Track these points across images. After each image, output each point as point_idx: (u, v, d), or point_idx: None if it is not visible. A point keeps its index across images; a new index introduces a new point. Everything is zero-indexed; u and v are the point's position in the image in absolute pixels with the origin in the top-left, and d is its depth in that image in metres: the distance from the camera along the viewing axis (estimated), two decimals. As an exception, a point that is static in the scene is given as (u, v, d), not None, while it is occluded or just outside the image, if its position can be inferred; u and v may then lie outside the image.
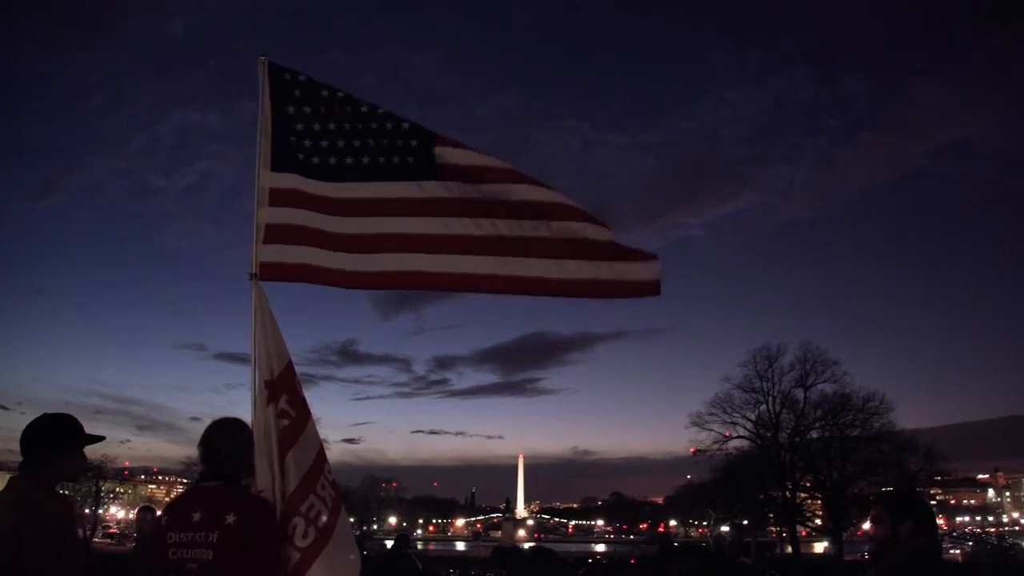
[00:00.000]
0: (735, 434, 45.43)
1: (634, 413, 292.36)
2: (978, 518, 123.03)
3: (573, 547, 79.64)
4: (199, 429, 3.12)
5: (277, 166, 3.60)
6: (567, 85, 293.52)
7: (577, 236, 3.63)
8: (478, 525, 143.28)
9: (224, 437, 3.05)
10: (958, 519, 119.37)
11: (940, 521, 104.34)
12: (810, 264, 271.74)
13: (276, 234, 3.54)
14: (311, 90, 3.73)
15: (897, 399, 56.50)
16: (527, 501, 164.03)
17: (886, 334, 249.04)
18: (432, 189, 3.69)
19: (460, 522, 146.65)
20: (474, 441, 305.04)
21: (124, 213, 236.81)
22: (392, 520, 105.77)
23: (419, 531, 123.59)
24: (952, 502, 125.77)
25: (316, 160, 3.69)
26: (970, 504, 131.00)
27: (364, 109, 3.79)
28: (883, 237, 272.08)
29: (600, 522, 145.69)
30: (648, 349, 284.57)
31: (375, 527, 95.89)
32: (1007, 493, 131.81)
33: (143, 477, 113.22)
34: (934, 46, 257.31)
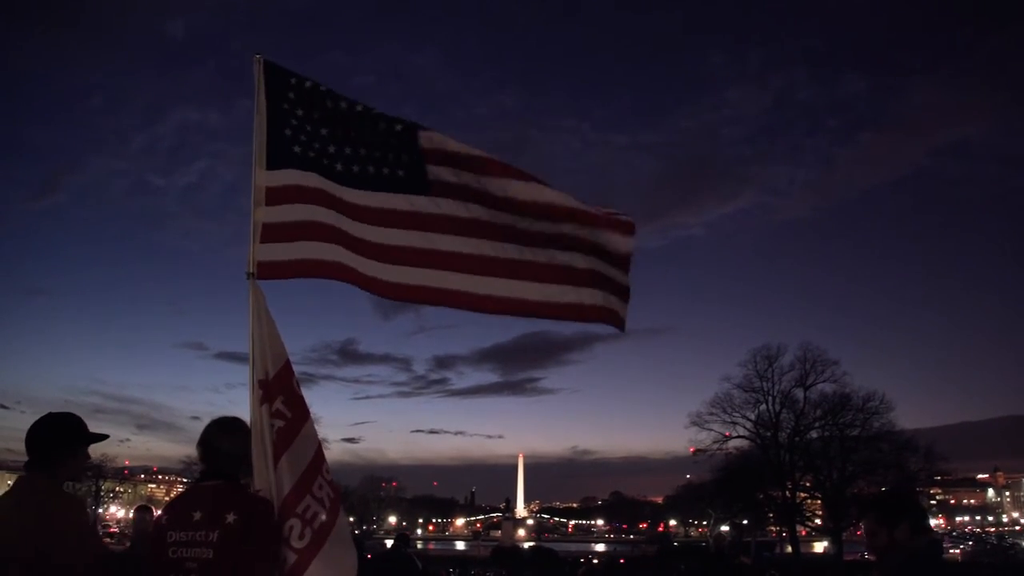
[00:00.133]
0: (735, 434, 45.45)
1: (634, 413, 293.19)
2: (978, 518, 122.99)
3: (573, 547, 79.64)
4: (199, 428, 3.13)
5: (273, 164, 3.59)
6: (567, 85, 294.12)
7: (557, 262, 3.73)
8: (478, 525, 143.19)
9: (224, 436, 3.05)
10: (958, 519, 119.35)
11: (940, 521, 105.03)
12: (810, 264, 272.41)
13: (273, 233, 3.53)
14: (306, 91, 3.71)
15: (897, 399, 56.58)
16: (527, 501, 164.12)
17: (886, 334, 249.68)
18: (421, 204, 3.70)
19: (460, 522, 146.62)
20: (474, 441, 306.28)
21: (124, 213, 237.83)
22: (392, 520, 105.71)
23: (419, 531, 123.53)
24: (952, 502, 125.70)
25: (312, 154, 3.68)
26: (970, 504, 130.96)
27: (359, 109, 3.73)
28: (883, 237, 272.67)
29: (600, 522, 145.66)
30: (648, 349, 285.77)
31: (375, 527, 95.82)
32: (1007, 493, 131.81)
33: (143, 476, 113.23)
34: (934, 46, 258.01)
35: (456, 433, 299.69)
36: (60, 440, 2.98)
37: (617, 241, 3.73)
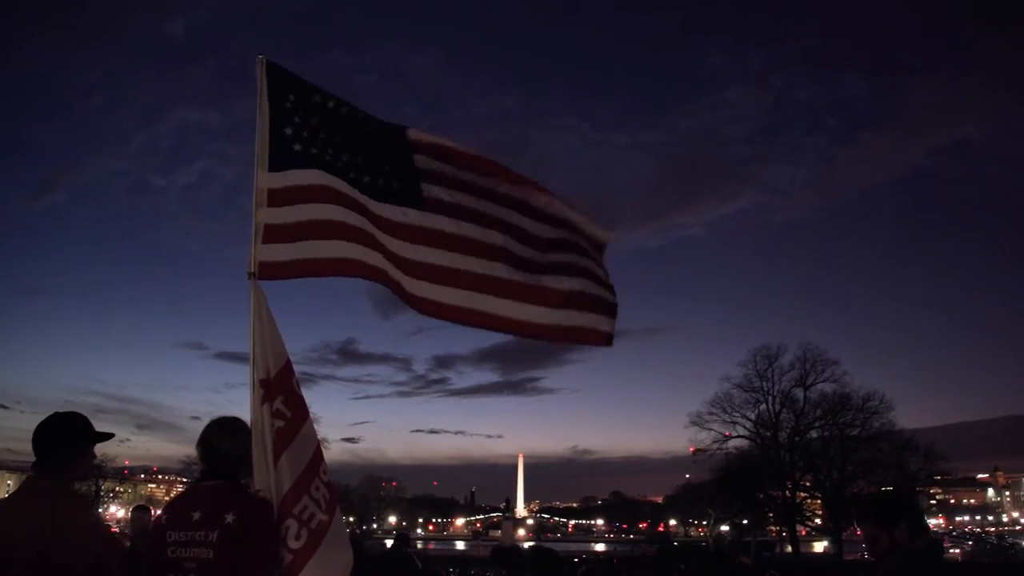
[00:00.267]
0: (735, 433, 45.52)
1: (634, 412, 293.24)
2: (978, 517, 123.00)
3: (573, 546, 79.65)
4: (199, 428, 3.14)
5: (275, 166, 3.59)
6: (567, 85, 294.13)
7: (543, 284, 3.93)
8: (478, 524, 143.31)
9: (223, 436, 3.05)
10: (958, 518, 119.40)
11: (940, 520, 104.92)
12: (810, 264, 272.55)
13: (275, 234, 3.53)
14: (307, 93, 3.74)
15: (897, 399, 56.70)
16: (527, 500, 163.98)
17: (886, 334, 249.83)
18: (414, 217, 3.84)
19: (460, 521, 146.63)
20: (474, 440, 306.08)
21: (124, 212, 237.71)
22: (392, 519, 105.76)
23: (419, 530, 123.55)
24: (952, 502, 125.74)
25: (314, 151, 3.70)
26: (970, 504, 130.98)
27: (360, 116, 3.83)
28: (883, 237, 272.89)
29: (600, 521, 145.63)
30: (648, 349, 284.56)
31: (375, 526, 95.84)
32: (1007, 492, 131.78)
33: (143, 476, 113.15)
34: (934, 46, 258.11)
35: (456, 433, 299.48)
36: (68, 440, 2.98)
37: (598, 237, 4.02)
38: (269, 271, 3.47)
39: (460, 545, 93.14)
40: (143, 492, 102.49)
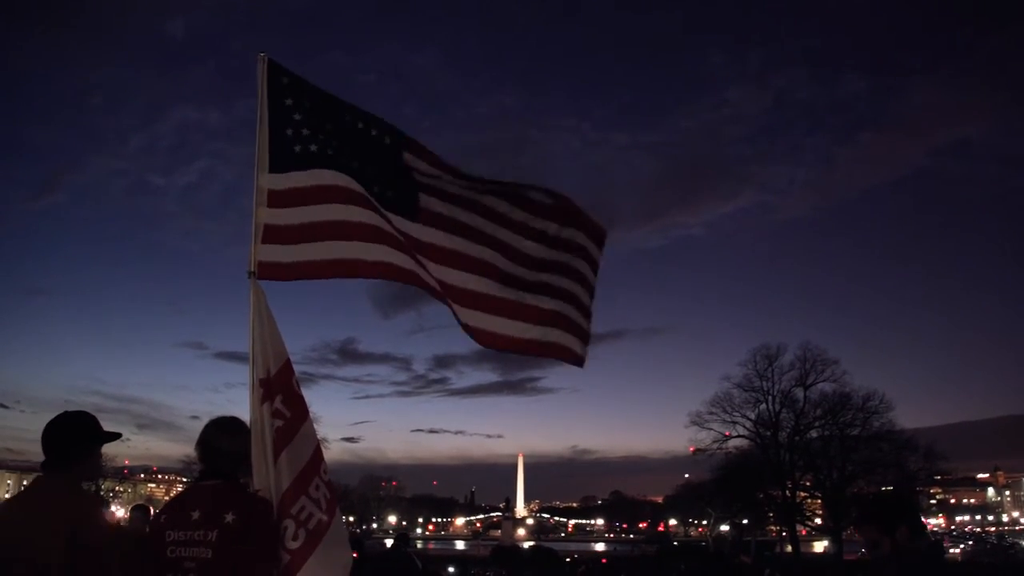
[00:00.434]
0: (735, 433, 45.55)
1: (634, 412, 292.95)
2: (978, 517, 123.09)
3: (573, 546, 79.67)
4: (199, 428, 3.13)
5: (275, 167, 3.59)
6: (567, 84, 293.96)
7: (526, 302, 4.11)
8: (477, 524, 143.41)
9: (223, 436, 3.05)
10: (958, 518, 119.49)
11: (940, 520, 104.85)
12: (810, 264, 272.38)
13: (275, 235, 3.53)
14: (309, 94, 3.74)
15: (897, 398, 56.69)
16: (527, 500, 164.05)
17: (886, 333, 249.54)
18: (407, 227, 3.89)
19: (460, 521, 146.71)
20: (474, 440, 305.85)
21: (124, 212, 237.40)
22: (392, 519, 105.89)
23: (419, 530, 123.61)
24: (952, 501, 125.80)
25: (314, 148, 3.69)
26: (970, 503, 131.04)
27: (360, 126, 3.85)
28: (883, 237, 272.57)
29: (600, 521, 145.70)
30: (648, 348, 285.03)
31: (375, 526, 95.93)
32: (1007, 492, 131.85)
33: (142, 476, 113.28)
34: (934, 46, 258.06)
35: (456, 432, 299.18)
36: (78, 439, 3.00)
37: (592, 249, 4.24)
38: (269, 271, 3.47)
39: (460, 545, 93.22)
40: (143, 492, 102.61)
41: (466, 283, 4.00)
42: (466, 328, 3.96)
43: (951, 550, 52.96)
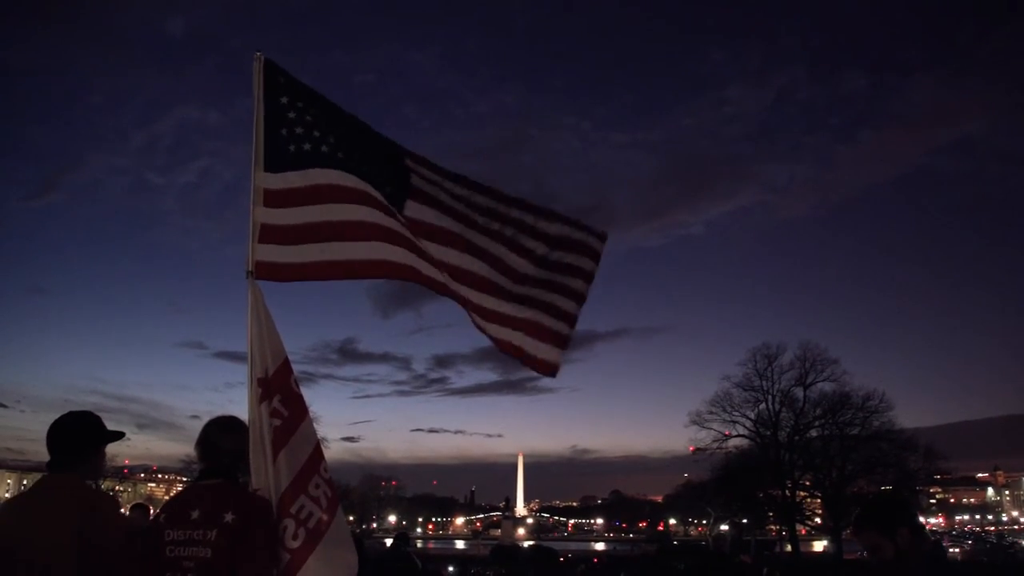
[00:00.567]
0: (735, 433, 45.56)
1: (634, 412, 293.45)
2: (977, 517, 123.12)
3: (573, 545, 79.69)
4: (198, 427, 3.12)
5: (271, 166, 3.59)
6: (567, 83, 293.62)
7: (502, 311, 4.17)
8: (477, 524, 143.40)
9: (223, 435, 3.04)
10: (958, 518, 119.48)
11: (940, 520, 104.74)
12: (810, 262, 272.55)
13: (272, 234, 3.52)
14: (305, 97, 3.74)
15: (897, 398, 56.73)
16: (527, 500, 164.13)
17: (886, 332, 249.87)
18: (398, 227, 3.91)
19: (460, 520, 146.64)
20: (474, 439, 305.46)
21: (123, 211, 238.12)
22: (392, 518, 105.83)
23: (418, 530, 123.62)
24: (952, 501, 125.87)
25: (308, 147, 3.69)
26: (970, 503, 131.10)
27: (359, 124, 3.87)
28: (883, 235, 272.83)
29: (599, 521, 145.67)
30: (648, 347, 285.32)
31: (375, 525, 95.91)
32: (1006, 492, 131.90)
33: (143, 475, 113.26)
34: (934, 44, 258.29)
35: (456, 432, 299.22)
36: (85, 439, 3.01)
37: (586, 263, 4.26)
38: (266, 271, 3.46)
39: (460, 544, 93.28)
40: (143, 491, 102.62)
41: (460, 289, 4.03)
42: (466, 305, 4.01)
43: (951, 550, 52.94)
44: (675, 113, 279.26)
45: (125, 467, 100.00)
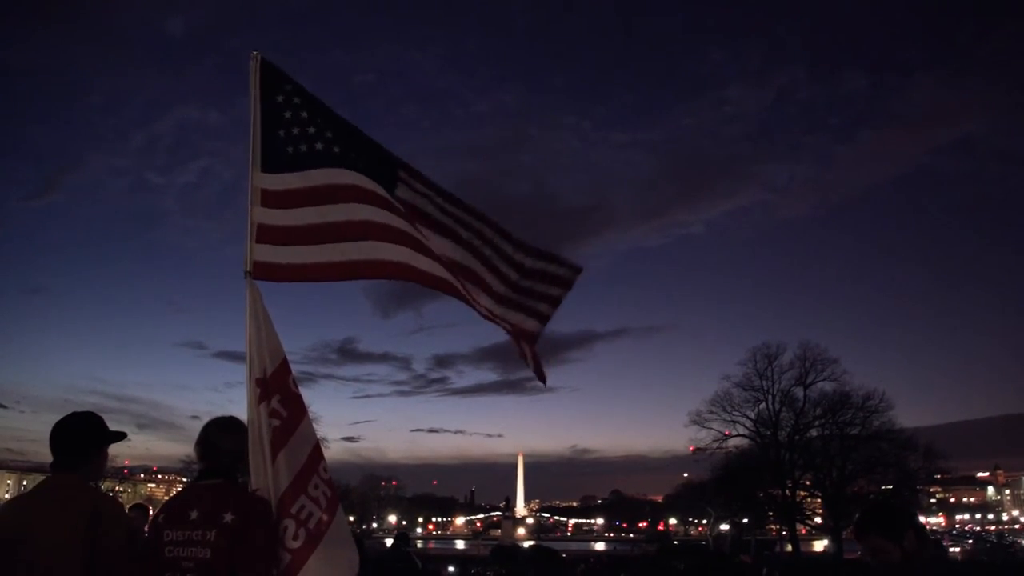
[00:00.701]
0: (735, 432, 45.56)
1: (634, 411, 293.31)
2: (978, 516, 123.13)
3: (573, 545, 79.71)
4: (198, 427, 3.11)
5: (268, 167, 3.59)
6: (567, 82, 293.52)
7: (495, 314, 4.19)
8: (478, 523, 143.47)
9: (223, 435, 3.04)
10: (958, 517, 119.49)
11: (940, 519, 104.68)
12: (810, 262, 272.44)
13: (270, 234, 3.53)
14: (302, 97, 3.74)
15: (897, 397, 56.52)
16: (527, 499, 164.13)
17: (886, 332, 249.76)
18: (402, 225, 3.89)
19: (460, 520, 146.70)
20: (474, 439, 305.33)
21: (123, 211, 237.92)
22: (392, 518, 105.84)
23: (419, 530, 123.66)
24: (952, 500, 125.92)
25: (304, 148, 3.68)
26: (970, 502, 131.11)
27: (350, 129, 3.86)
28: (883, 235, 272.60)
29: (600, 521, 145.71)
30: (648, 347, 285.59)
31: (375, 525, 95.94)
32: (1007, 491, 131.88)
33: (143, 476, 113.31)
34: (934, 44, 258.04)
35: (456, 432, 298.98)
36: (89, 439, 3.01)
37: (556, 292, 4.32)
38: (264, 271, 3.46)
39: (460, 544, 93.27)
40: (143, 492, 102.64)
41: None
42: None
43: (951, 549, 52.94)
44: (675, 113, 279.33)
45: (125, 467, 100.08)
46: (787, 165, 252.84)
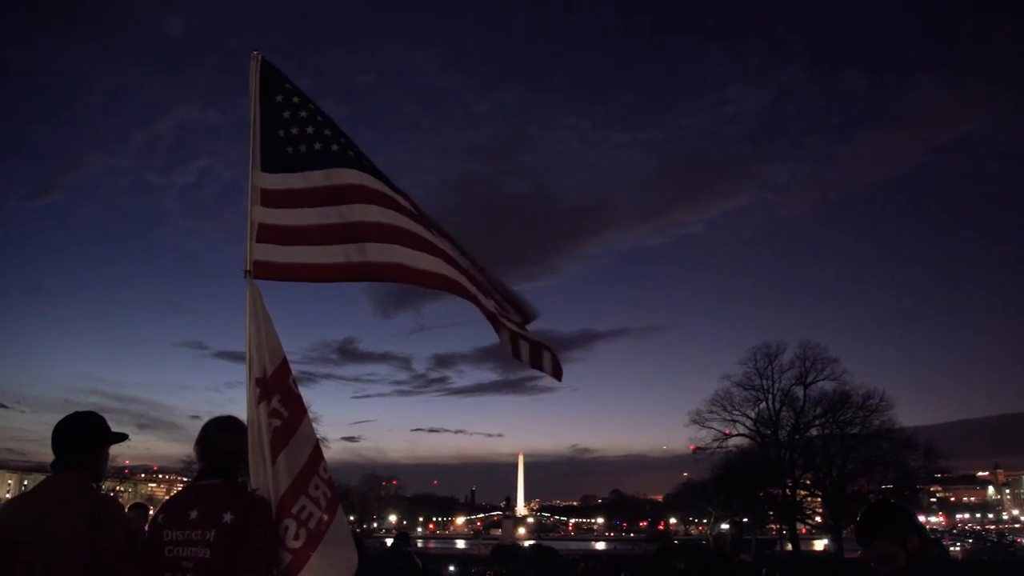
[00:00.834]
0: (735, 432, 45.53)
1: (634, 411, 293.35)
2: (978, 515, 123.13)
3: (573, 545, 79.72)
4: (199, 427, 3.11)
5: (268, 166, 3.58)
6: (567, 82, 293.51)
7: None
8: (478, 523, 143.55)
9: (223, 435, 3.04)
10: (958, 516, 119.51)
11: (940, 518, 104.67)
12: (810, 261, 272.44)
13: (270, 234, 3.52)
14: (302, 97, 3.73)
15: (897, 396, 56.46)
16: (527, 499, 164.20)
17: (886, 331, 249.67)
18: (406, 224, 3.86)
19: (460, 520, 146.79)
20: (474, 439, 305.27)
21: (123, 211, 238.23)
22: (392, 518, 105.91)
23: (419, 529, 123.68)
24: (952, 499, 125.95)
25: (303, 148, 3.68)
26: (970, 501, 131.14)
27: (343, 138, 3.83)
28: (883, 235, 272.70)
29: (600, 520, 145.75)
30: (648, 347, 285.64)
31: (375, 525, 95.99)
32: (1007, 490, 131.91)
33: (143, 476, 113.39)
34: (934, 43, 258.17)
35: (456, 432, 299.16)
36: (90, 439, 3.01)
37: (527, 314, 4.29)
38: (264, 270, 3.45)
39: (460, 544, 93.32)
40: (143, 491, 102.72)
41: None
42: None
43: (951, 548, 52.96)
44: (675, 113, 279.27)
45: (126, 467, 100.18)
46: (787, 165, 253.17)
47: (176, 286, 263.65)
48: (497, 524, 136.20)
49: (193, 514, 2.79)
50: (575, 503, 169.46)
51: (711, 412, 45.45)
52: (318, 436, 3.32)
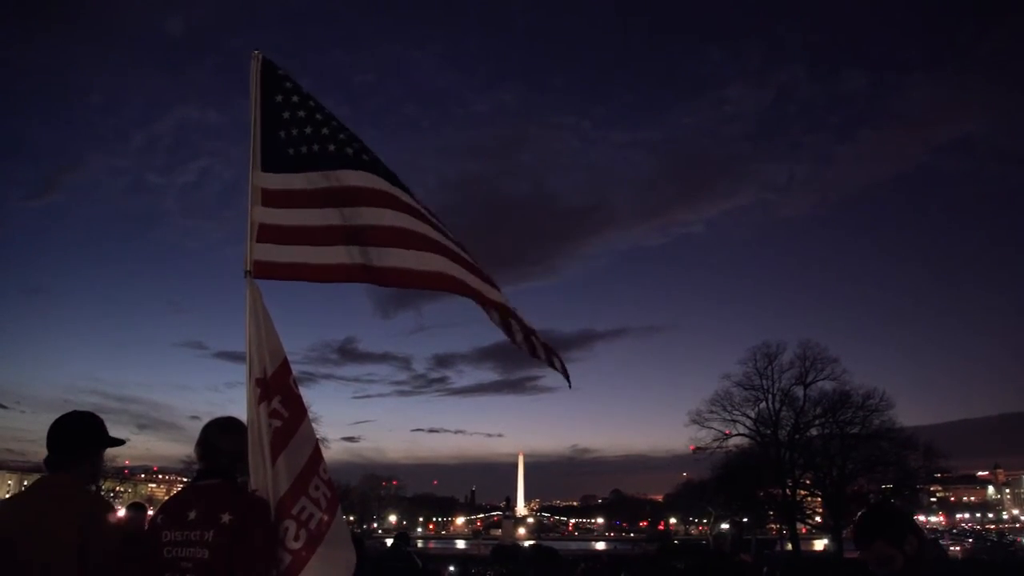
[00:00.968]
0: (735, 432, 45.60)
1: (634, 411, 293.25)
2: (978, 515, 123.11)
3: (573, 545, 79.72)
4: (199, 428, 3.10)
5: (268, 166, 3.57)
6: (567, 82, 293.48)
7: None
8: (478, 523, 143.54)
9: (223, 435, 3.03)
10: (958, 516, 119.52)
11: (940, 518, 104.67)
12: (810, 261, 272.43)
13: (270, 233, 3.51)
14: (302, 96, 3.72)
15: (897, 396, 56.42)
16: (527, 499, 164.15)
17: (886, 331, 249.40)
18: (409, 224, 3.83)
19: (460, 520, 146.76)
20: (474, 439, 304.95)
21: (123, 211, 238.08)
22: (392, 518, 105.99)
23: (419, 529, 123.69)
24: (952, 499, 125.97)
25: (304, 149, 3.66)
26: (970, 501, 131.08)
27: (343, 135, 3.80)
28: (883, 234, 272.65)
29: (600, 520, 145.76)
30: (648, 347, 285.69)
31: (375, 525, 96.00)
32: (1007, 490, 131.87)
33: (143, 476, 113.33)
34: (934, 43, 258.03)
35: (456, 432, 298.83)
36: (84, 440, 3.00)
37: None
38: (264, 270, 3.43)
39: (460, 544, 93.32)
40: (143, 492, 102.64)
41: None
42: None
43: (951, 548, 53.00)
44: (675, 113, 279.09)
45: (125, 468, 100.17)
46: (787, 164, 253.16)
47: (176, 286, 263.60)
48: (497, 524, 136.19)
49: (192, 515, 2.78)
50: (575, 503, 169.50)
51: (711, 412, 45.58)
52: (318, 436, 3.31)
